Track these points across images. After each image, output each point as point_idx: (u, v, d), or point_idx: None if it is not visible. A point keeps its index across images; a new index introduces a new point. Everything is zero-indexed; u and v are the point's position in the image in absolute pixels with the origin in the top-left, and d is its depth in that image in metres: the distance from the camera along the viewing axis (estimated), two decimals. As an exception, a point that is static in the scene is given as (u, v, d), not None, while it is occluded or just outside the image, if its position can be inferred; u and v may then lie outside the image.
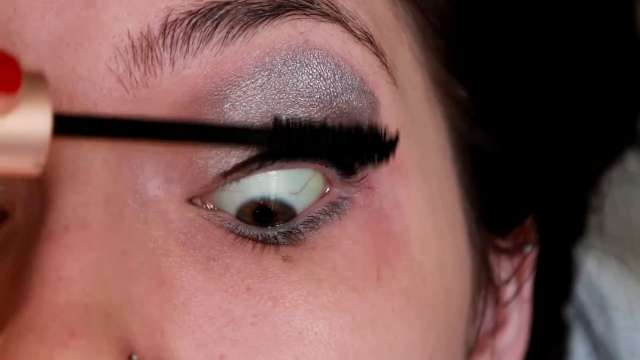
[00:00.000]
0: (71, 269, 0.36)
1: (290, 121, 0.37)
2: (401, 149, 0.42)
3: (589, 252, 0.56)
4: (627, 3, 0.54)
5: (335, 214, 0.40)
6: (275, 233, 0.39)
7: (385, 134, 0.39)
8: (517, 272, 0.50)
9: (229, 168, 0.39)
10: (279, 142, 0.37)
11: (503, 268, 0.50)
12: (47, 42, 0.38)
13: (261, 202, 0.40)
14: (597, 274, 0.57)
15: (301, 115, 0.40)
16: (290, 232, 0.39)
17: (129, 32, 0.38)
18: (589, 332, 0.60)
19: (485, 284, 0.48)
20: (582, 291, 0.59)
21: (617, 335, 0.60)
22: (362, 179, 0.40)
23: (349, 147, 0.38)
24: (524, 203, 0.50)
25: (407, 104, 0.43)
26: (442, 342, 0.42)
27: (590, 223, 0.55)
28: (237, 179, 0.39)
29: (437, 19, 0.45)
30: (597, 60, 0.52)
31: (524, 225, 0.51)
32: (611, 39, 0.52)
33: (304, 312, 0.38)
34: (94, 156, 0.38)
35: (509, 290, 0.50)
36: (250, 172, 0.39)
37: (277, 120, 0.37)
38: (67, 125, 0.34)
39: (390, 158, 0.39)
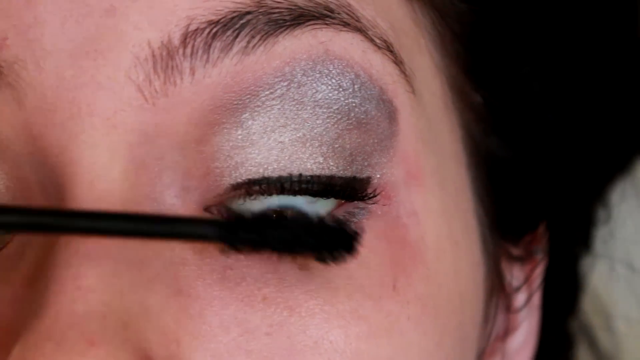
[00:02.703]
0: (89, 277, 0.36)
1: (242, 214, 0.37)
2: (418, 156, 0.42)
3: (598, 260, 0.56)
4: (635, 14, 0.54)
5: (352, 223, 0.40)
6: None
7: (346, 228, 0.37)
8: (528, 280, 0.50)
9: (240, 181, 0.39)
10: (228, 236, 0.36)
11: (515, 276, 0.50)
12: (66, 50, 0.37)
13: (278, 210, 0.40)
14: (606, 282, 0.57)
15: (318, 129, 0.39)
16: None
17: (149, 41, 0.37)
18: (593, 347, 0.60)
19: (497, 290, 0.48)
20: (587, 305, 0.59)
21: (623, 349, 0.60)
22: (374, 196, 0.40)
23: (305, 242, 0.36)
24: (536, 210, 0.50)
25: (425, 111, 0.42)
26: (456, 348, 0.42)
27: (600, 232, 0.55)
28: (251, 194, 0.39)
29: (456, 23, 0.45)
30: (610, 70, 0.52)
31: (535, 233, 0.51)
32: (623, 51, 0.53)
33: (319, 321, 0.38)
34: (112, 165, 0.37)
35: (520, 298, 0.50)
36: (264, 193, 0.39)
37: (225, 213, 0.37)
38: None
39: (353, 254, 0.37)
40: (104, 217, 0.36)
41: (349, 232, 0.37)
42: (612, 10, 0.52)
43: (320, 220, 0.36)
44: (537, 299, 0.52)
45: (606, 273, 0.56)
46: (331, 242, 0.36)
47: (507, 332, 0.51)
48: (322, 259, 0.37)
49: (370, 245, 0.40)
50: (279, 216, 0.36)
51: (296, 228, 0.36)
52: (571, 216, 0.53)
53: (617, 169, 0.55)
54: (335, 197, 0.40)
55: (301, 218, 0.36)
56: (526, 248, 0.51)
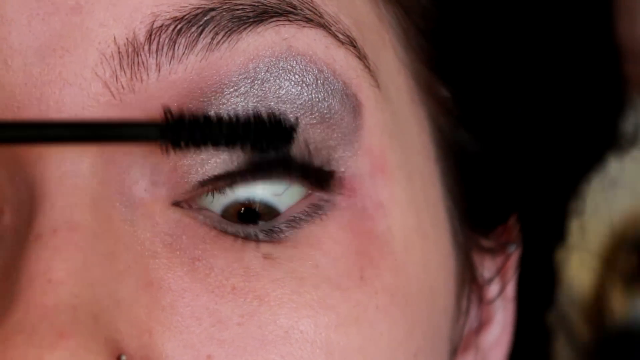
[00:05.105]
0: (59, 271, 0.36)
1: (182, 113, 0.38)
2: (384, 149, 0.42)
3: (572, 253, 0.57)
4: (606, 9, 0.54)
5: (316, 215, 0.41)
6: (257, 230, 0.40)
7: (284, 120, 0.39)
8: (500, 271, 0.51)
9: (207, 177, 0.40)
10: (170, 135, 0.37)
11: (486, 267, 0.50)
12: (33, 48, 0.38)
13: (246, 203, 0.40)
14: (579, 275, 0.58)
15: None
16: (271, 230, 0.40)
17: (114, 37, 0.38)
18: (571, 338, 0.61)
19: (468, 283, 0.49)
20: (564, 296, 0.59)
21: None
22: (337, 186, 0.41)
23: (244, 135, 0.38)
24: (507, 203, 0.51)
25: (391, 105, 0.43)
26: (427, 339, 0.43)
27: (572, 225, 0.55)
28: (218, 189, 0.40)
29: (420, 19, 0.45)
30: (578, 62, 0.52)
31: (507, 225, 0.51)
32: (591, 44, 0.53)
33: (288, 311, 0.39)
34: (81, 159, 0.38)
35: (492, 289, 0.51)
36: (231, 184, 0.40)
37: (167, 113, 0.37)
38: None
39: (290, 144, 0.39)
40: (51, 126, 0.37)
41: (285, 124, 0.39)
42: (581, 2, 0.52)
43: (258, 115, 0.38)
44: (511, 291, 0.52)
45: (579, 262, 0.57)
46: (269, 135, 0.38)
47: (481, 326, 0.51)
48: (260, 149, 0.39)
49: (335, 236, 0.41)
50: (217, 115, 0.38)
51: (235, 125, 0.38)
52: (544, 209, 0.54)
53: (589, 163, 0.56)
54: (301, 185, 0.41)
55: (239, 115, 0.38)
56: (498, 240, 0.51)
